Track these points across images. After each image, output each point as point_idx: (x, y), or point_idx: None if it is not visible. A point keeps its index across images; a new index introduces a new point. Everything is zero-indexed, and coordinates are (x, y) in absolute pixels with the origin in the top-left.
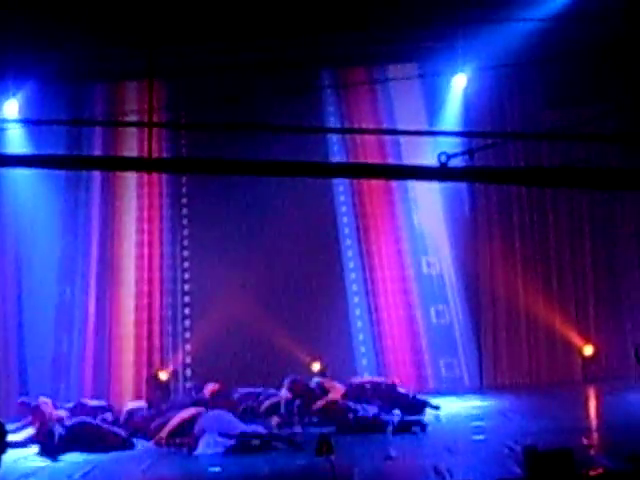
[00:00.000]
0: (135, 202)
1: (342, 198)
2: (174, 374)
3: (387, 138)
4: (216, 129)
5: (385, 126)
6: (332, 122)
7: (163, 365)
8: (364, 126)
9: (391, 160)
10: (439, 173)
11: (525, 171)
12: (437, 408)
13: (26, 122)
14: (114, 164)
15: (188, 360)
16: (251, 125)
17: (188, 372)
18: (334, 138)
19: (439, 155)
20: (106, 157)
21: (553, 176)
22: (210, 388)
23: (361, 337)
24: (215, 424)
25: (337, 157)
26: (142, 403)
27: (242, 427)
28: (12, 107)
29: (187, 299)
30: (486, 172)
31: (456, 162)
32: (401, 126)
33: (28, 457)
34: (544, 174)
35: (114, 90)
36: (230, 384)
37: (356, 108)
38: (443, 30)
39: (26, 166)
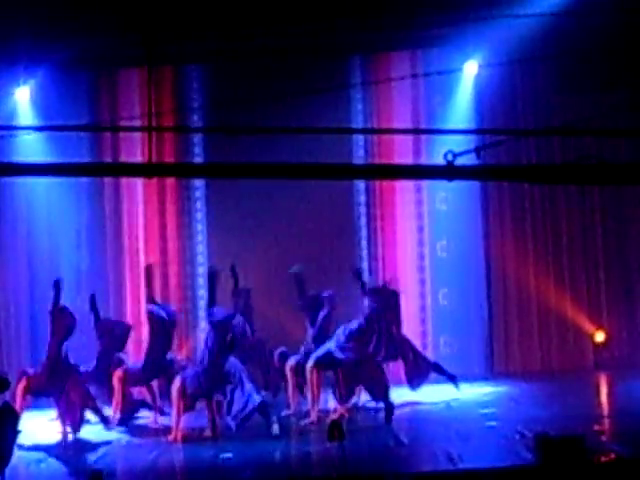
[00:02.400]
0: (146, 188)
1: (361, 196)
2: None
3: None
4: (217, 132)
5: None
6: (358, 103)
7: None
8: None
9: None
10: (446, 172)
11: (532, 168)
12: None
13: (23, 129)
14: (114, 170)
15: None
16: (259, 129)
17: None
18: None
19: (445, 154)
20: (105, 164)
21: (561, 173)
22: None
23: None
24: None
25: (361, 150)
26: None
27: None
28: (24, 94)
29: (201, 281)
30: (494, 170)
31: (464, 158)
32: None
33: (39, 442)
34: (552, 171)
35: (128, 77)
36: None
37: (382, 95)
38: (455, 17)
39: (22, 174)
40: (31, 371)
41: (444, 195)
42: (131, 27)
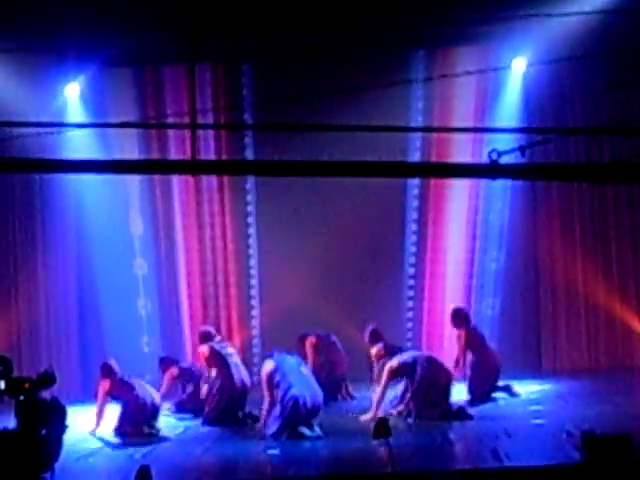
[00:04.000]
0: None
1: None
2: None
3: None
4: (264, 130)
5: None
6: (414, 99)
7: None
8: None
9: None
10: (490, 171)
11: (576, 167)
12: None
13: (66, 125)
14: (155, 168)
15: (255, 333)
16: (305, 126)
17: (255, 341)
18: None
19: (489, 152)
20: (146, 161)
21: (605, 172)
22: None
23: (410, 324)
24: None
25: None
26: None
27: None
28: (73, 90)
29: (254, 282)
30: (538, 169)
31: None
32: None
33: (87, 437)
34: (595, 170)
35: (177, 74)
36: None
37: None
38: (503, 14)
39: (68, 171)
40: None
41: (494, 193)
42: (176, 24)
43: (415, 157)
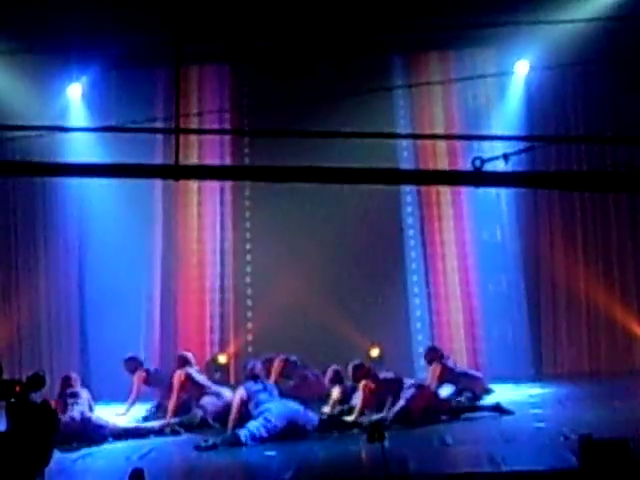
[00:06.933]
0: (197, 186)
1: (408, 207)
2: (234, 356)
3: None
4: (247, 135)
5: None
6: (401, 103)
7: (225, 345)
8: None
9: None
10: (474, 178)
11: (563, 175)
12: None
13: (56, 129)
14: (137, 172)
15: (250, 338)
16: (287, 131)
17: (250, 349)
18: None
19: (473, 160)
20: (127, 165)
21: (592, 180)
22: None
23: (419, 325)
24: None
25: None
26: None
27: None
28: (76, 91)
29: (249, 279)
30: (523, 177)
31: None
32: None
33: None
34: (582, 178)
35: (190, 74)
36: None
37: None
38: (505, 19)
39: (48, 174)
40: None
41: (496, 200)
42: (177, 25)
43: (407, 164)
